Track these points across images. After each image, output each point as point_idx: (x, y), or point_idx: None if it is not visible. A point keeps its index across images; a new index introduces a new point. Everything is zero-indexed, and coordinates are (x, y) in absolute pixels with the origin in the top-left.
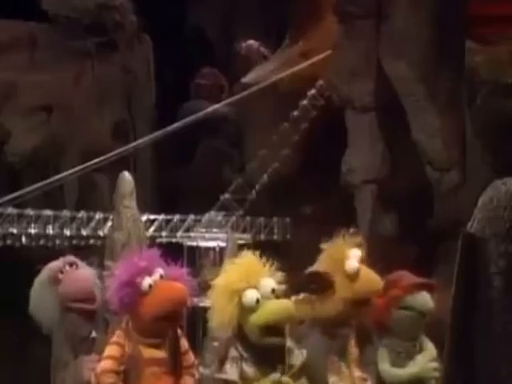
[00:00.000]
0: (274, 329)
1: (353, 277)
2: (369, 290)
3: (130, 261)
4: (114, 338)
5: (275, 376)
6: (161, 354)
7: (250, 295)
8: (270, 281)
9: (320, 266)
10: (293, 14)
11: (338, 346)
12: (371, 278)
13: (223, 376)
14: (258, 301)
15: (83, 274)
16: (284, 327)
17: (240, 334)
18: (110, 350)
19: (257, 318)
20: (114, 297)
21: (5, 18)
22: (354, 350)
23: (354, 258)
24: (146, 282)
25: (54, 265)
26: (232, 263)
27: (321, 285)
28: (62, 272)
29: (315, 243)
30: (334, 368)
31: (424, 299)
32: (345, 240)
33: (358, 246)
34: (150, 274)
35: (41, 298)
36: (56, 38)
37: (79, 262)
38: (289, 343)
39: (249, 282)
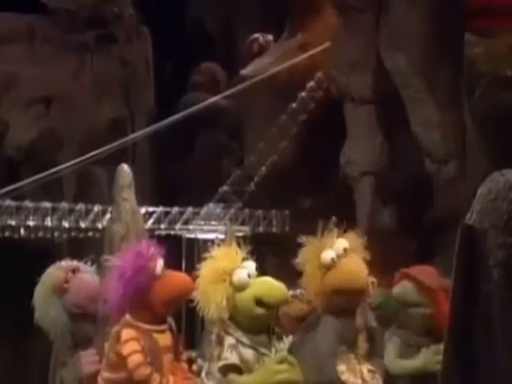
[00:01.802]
0: (265, 304)
1: (329, 267)
2: (345, 280)
3: (136, 249)
4: (126, 336)
5: (281, 355)
6: (170, 340)
7: (240, 274)
8: (251, 262)
9: (300, 256)
10: (292, 7)
11: (347, 338)
12: (350, 270)
13: (225, 362)
14: (249, 276)
15: (87, 279)
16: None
17: (234, 320)
18: (130, 346)
19: (254, 291)
20: (128, 284)
21: (4, 10)
22: (364, 344)
23: (334, 248)
24: (159, 265)
25: (57, 274)
26: (210, 256)
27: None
28: (67, 281)
29: (314, 235)
30: (343, 358)
31: (400, 290)
32: (329, 230)
33: (355, 238)
34: (157, 260)
35: (47, 308)
36: (55, 30)
37: (80, 265)
38: (276, 329)
39: (235, 263)
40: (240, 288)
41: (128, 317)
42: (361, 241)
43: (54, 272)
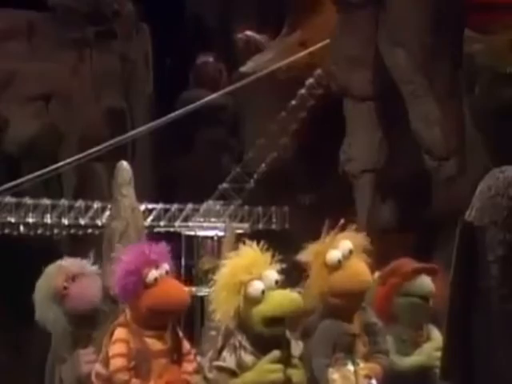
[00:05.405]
0: (278, 319)
1: (333, 269)
2: (350, 283)
3: (140, 250)
4: (117, 336)
5: (274, 354)
6: (166, 344)
7: (256, 286)
8: (272, 272)
9: (304, 255)
10: (291, 3)
11: (344, 344)
12: (356, 272)
13: (221, 364)
14: (263, 292)
15: (87, 285)
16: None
17: (241, 324)
18: (117, 347)
19: (263, 310)
20: (117, 283)
21: (4, 6)
22: (361, 348)
23: (339, 249)
24: (152, 274)
25: (56, 281)
26: (234, 255)
27: (300, 274)
28: (66, 288)
29: (314, 232)
30: (338, 366)
31: (423, 283)
32: (338, 231)
33: (357, 237)
34: (157, 267)
35: (47, 313)
36: (55, 26)
37: (82, 269)
38: (287, 334)
39: (252, 274)
40: (252, 302)
41: (128, 313)
42: (363, 241)
43: (54, 277)
